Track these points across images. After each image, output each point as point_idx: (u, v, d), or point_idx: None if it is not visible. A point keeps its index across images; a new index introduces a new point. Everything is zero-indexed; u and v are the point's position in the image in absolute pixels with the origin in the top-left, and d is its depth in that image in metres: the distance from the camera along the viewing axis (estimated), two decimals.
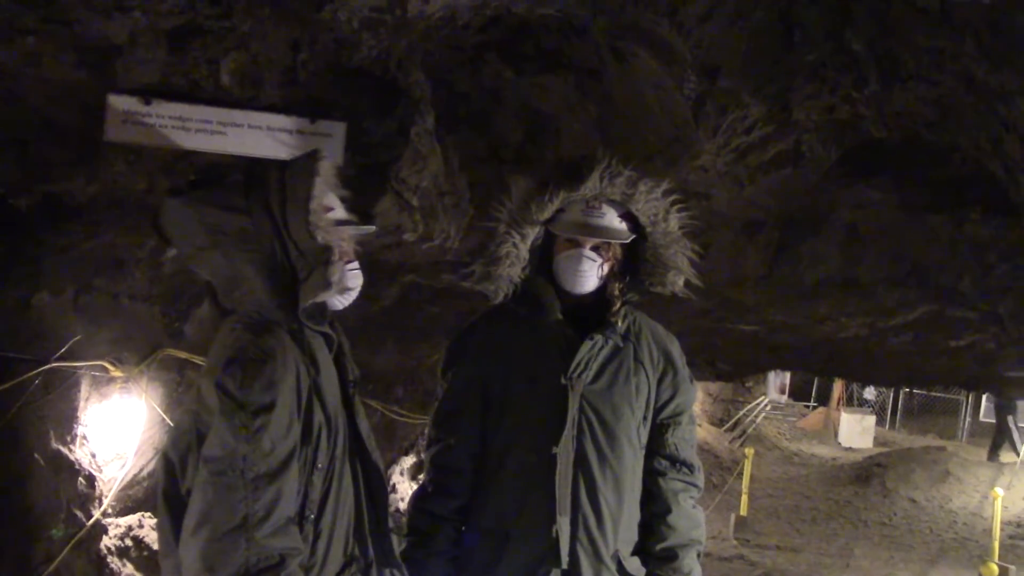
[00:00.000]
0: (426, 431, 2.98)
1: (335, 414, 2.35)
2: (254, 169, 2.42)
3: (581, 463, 2.65)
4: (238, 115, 2.96)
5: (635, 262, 2.78)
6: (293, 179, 2.30)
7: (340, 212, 2.45)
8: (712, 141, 3.98)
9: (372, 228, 2.58)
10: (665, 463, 2.80)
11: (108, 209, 3.39)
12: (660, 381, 2.81)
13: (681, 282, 2.78)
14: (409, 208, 3.67)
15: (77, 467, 3.96)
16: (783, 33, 3.33)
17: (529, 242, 2.74)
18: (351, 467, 2.42)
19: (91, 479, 4.06)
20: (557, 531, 2.60)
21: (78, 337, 3.76)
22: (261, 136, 2.97)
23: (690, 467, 2.83)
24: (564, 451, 2.63)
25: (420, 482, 3.10)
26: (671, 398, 2.83)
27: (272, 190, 2.29)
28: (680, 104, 3.77)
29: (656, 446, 2.81)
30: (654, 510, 2.79)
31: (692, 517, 2.81)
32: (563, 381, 2.66)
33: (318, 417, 2.27)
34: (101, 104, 2.87)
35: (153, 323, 4.21)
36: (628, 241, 2.70)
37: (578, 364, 2.68)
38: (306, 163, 2.34)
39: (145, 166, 3.17)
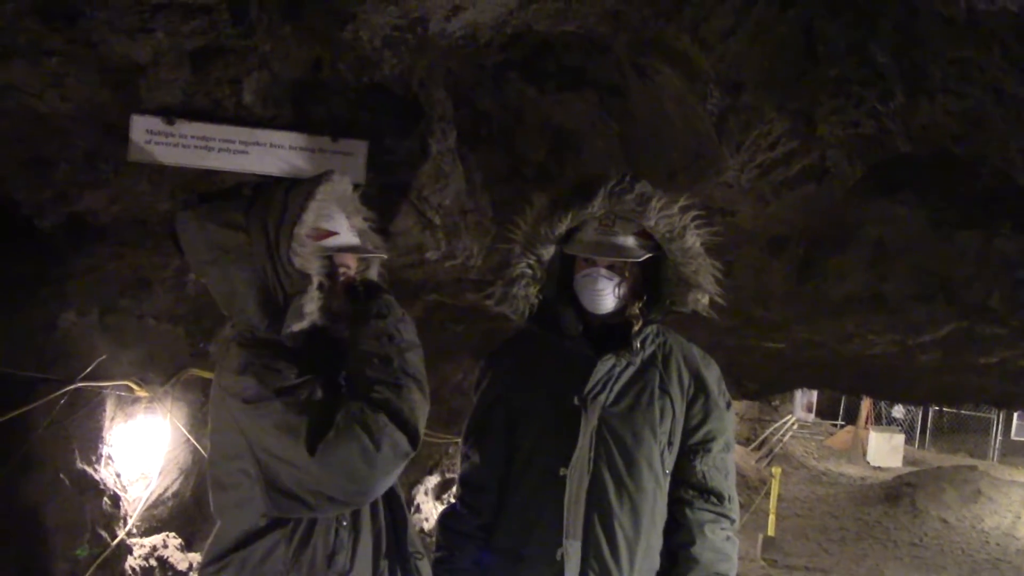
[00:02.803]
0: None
1: None
2: (262, 187, 2.42)
3: (595, 487, 2.59)
4: (260, 134, 2.97)
5: (657, 281, 2.74)
6: (291, 201, 2.29)
7: (346, 236, 2.42)
8: (736, 157, 3.94)
9: (378, 253, 2.54)
10: (692, 492, 2.71)
11: (132, 229, 3.41)
12: (690, 406, 2.72)
13: (706, 300, 2.70)
14: (431, 226, 3.66)
15: (102, 487, 3.97)
16: (806, 47, 3.30)
17: (545, 262, 2.71)
18: None
19: (116, 499, 4.07)
20: (563, 555, 2.55)
21: (103, 357, 3.78)
22: (283, 155, 2.98)
23: (720, 496, 2.72)
24: (575, 473, 2.58)
25: (447, 501, 3.10)
26: (701, 424, 2.73)
27: (272, 210, 2.29)
28: (703, 120, 3.74)
29: (683, 474, 2.72)
30: (678, 540, 2.69)
31: (720, 550, 2.69)
32: (576, 402, 2.63)
33: None
34: (125, 124, 2.89)
35: (178, 343, 4.22)
36: (642, 260, 2.64)
37: (595, 385, 2.64)
38: (306, 186, 2.33)
39: (168, 185, 3.19)
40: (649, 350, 2.73)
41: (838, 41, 3.13)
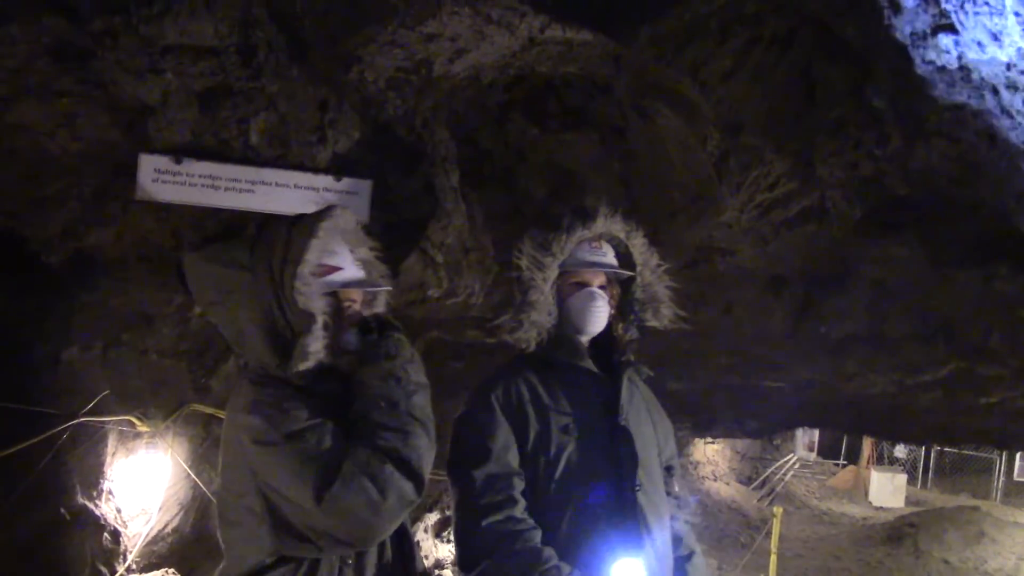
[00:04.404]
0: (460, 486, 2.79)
1: None
2: (266, 225, 2.43)
3: (635, 505, 2.59)
4: (266, 173, 3.01)
5: (626, 301, 2.83)
6: (293, 240, 2.31)
7: (351, 271, 2.43)
8: (735, 197, 3.98)
9: (382, 287, 2.54)
10: (672, 506, 2.80)
11: (137, 265, 3.44)
12: (656, 425, 2.82)
13: (671, 314, 2.82)
14: (434, 265, 3.69)
15: (102, 522, 3.97)
16: (805, 90, 3.35)
17: (549, 286, 2.75)
18: None
19: (116, 534, 4.06)
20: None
21: (106, 392, 3.79)
22: (288, 194, 3.02)
23: (690, 509, 2.87)
24: (626, 494, 2.59)
25: (447, 538, 3.00)
26: (666, 441, 2.85)
27: (276, 248, 2.30)
28: (703, 161, 3.78)
29: (666, 488, 2.81)
30: (677, 554, 2.77)
31: (702, 559, 2.85)
32: (621, 423, 2.64)
33: None
34: (133, 163, 2.93)
35: (180, 378, 4.23)
36: (628, 276, 2.77)
37: (622, 406, 2.67)
38: (308, 223, 2.34)
39: (174, 223, 3.22)
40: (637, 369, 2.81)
41: (836, 84, 3.17)
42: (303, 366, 2.26)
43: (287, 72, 2.75)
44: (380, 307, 2.57)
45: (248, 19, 2.62)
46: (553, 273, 2.73)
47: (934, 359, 5.27)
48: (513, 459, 2.61)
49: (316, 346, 2.26)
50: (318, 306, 2.29)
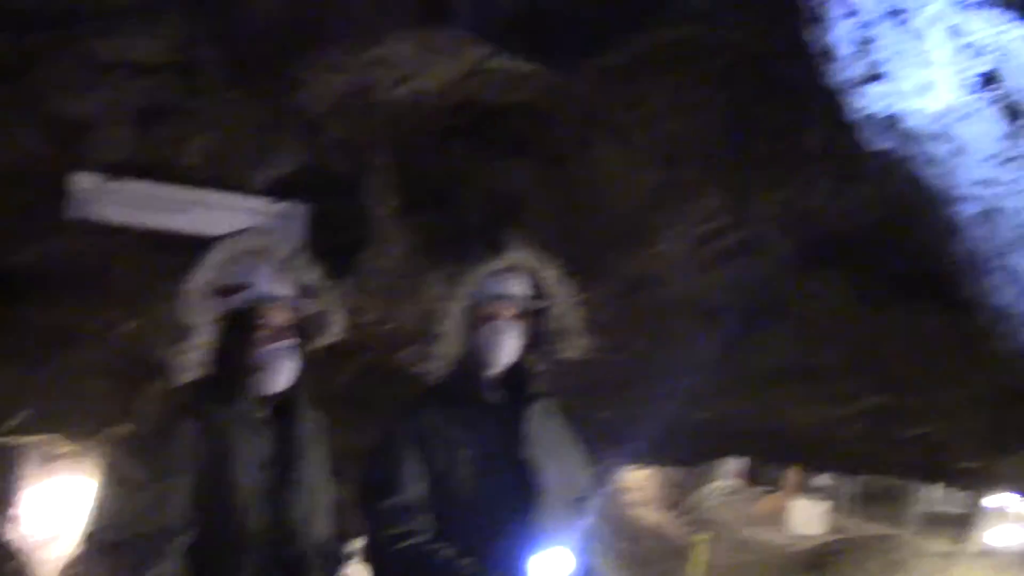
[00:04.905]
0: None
1: (249, 498, 2.29)
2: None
3: (541, 537, 2.61)
4: (203, 194, 2.96)
5: (538, 333, 2.77)
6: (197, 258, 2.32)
7: (263, 288, 2.37)
8: (671, 229, 4.03)
9: (295, 303, 2.45)
10: (584, 537, 2.70)
11: (63, 284, 3.36)
12: (569, 456, 2.79)
13: (585, 346, 2.79)
14: (369, 290, 3.66)
15: (15, 546, 3.84)
16: (742, 127, 3.41)
17: (459, 317, 2.74)
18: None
19: (29, 557, 3.94)
20: None
21: (28, 411, 3.68)
22: (225, 216, 2.97)
23: (603, 538, 2.82)
24: (531, 527, 2.59)
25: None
26: (579, 473, 2.80)
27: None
28: (641, 192, 3.83)
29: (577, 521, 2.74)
30: None
31: None
32: (526, 456, 2.60)
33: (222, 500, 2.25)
34: (66, 180, 2.86)
35: (103, 399, 4.13)
36: (540, 308, 2.71)
37: (529, 437, 2.64)
38: (215, 242, 2.36)
39: (103, 242, 3.15)
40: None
41: (772, 123, 3.24)
42: (182, 379, 2.24)
43: (227, 93, 2.71)
44: (332, 336, 2.54)
45: (190, 38, 2.58)
46: (463, 304, 2.73)
47: (860, 391, 5.38)
48: (421, 490, 2.59)
49: (191, 358, 2.24)
50: (196, 320, 2.26)
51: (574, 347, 2.78)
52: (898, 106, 2.25)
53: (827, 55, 2.33)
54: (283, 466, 2.38)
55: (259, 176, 3.02)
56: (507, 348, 2.67)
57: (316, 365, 2.50)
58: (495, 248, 2.71)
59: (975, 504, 16.53)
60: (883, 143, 2.38)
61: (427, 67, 2.91)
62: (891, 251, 3.80)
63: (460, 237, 3.87)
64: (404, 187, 3.51)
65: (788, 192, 3.63)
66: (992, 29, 1.84)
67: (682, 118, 3.45)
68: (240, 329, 2.33)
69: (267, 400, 2.38)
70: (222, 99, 2.72)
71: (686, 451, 9.70)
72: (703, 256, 4.35)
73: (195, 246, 2.42)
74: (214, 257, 2.33)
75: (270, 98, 2.80)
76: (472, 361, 2.72)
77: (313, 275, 2.53)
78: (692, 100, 3.32)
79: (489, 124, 3.55)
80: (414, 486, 2.58)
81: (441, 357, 2.70)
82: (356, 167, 3.22)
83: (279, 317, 2.40)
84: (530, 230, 3.88)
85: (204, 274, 2.30)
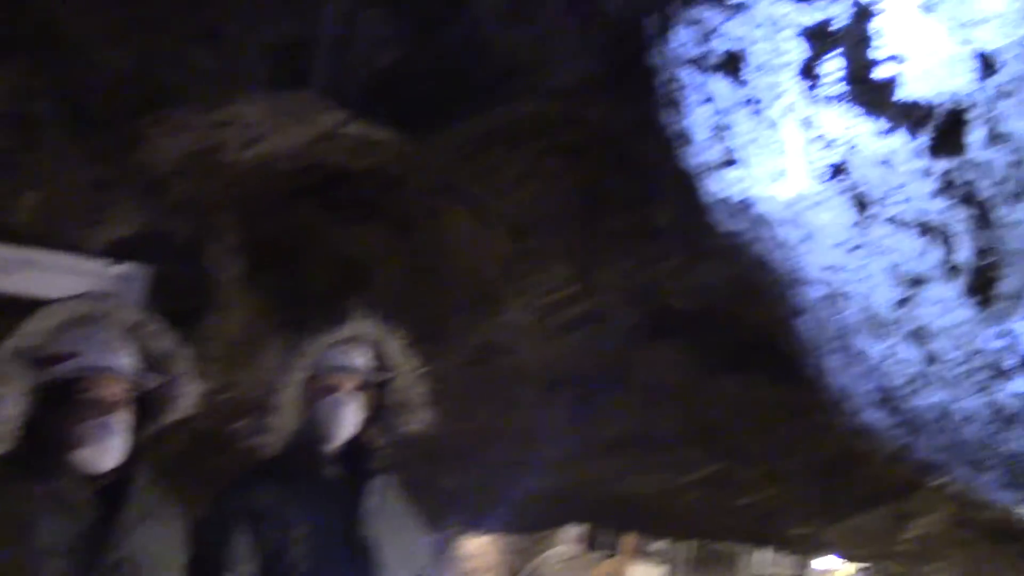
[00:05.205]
0: None
1: None
2: None
3: None
4: (35, 255, 2.78)
5: (380, 406, 2.75)
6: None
7: (92, 358, 2.18)
8: (519, 298, 4.05)
9: (122, 374, 2.23)
10: None
11: None
12: (409, 532, 2.76)
13: (427, 419, 2.75)
14: (210, 357, 3.51)
15: None
16: (593, 199, 3.47)
17: (296, 389, 2.66)
18: None
19: None
20: None
21: None
22: (58, 277, 2.78)
23: None
24: None
25: None
26: (419, 549, 2.78)
27: None
28: (490, 261, 3.84)
29: None
30: None
31: None
32: (363, 533, 2.55)
33: None
34: None
35: None
36: (383, 380, 2.69)
37: (366, 515, 2.58)
38: (42, 307, 2.20)
39: None
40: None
41: (622, 197, 3.31)
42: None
43: (64, 147, 2.56)
44: (182, 411, 2.36)
45: (27, 88, 2.43)
46: (300, 376, 2.65)
47: (698, 460, 5.52)
48: (251, 570, 2.48)
49: None
50: (2, 391, 2.09)
51: (417, 420, 2.74)
52: (751, 191, 2.32)
53: (682, 138, 2.39)
54: (100, 550, 2.18)
55: (96, 236, 2.86)
56: (347, 422, 2.61)
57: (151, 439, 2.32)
58: (338, 317, 2.65)
59: (803, 566, 17.22)
60: (734, 225, 2.46)
61: (277, 130, 2.85)
62: (733, 326, 3.93)
63: (303, 303, 3.77)
64: (248, 251, 3.40)
65: (635, 264, 3.70)
66: (842, 123, 1.92)
67: (533, 189, 3.49)
68: (56, 402, 2.16)
69: (91, 479, 2.19)
70: (59, 153, 2.57)
71: (529, 518, 9.72)
72: (549, 325, 4.38)
73: (27, 309, 2.24)
74: (36, 323, 2.15)
75: (111, 156, 2.66)
76: (310, 434, 2.63)
77: (164, 343, 2.36)
78: (544, 172, 3.36)
79: (338, 188, 3.50)
80: (243, 566, 2.47)
81: (278, 429, 2.62)
82: (199, 229, 3.09)
83: (109, 389, 2.22)
84: (376, 297, 3.83)
85: (18, 341, 2.12)
